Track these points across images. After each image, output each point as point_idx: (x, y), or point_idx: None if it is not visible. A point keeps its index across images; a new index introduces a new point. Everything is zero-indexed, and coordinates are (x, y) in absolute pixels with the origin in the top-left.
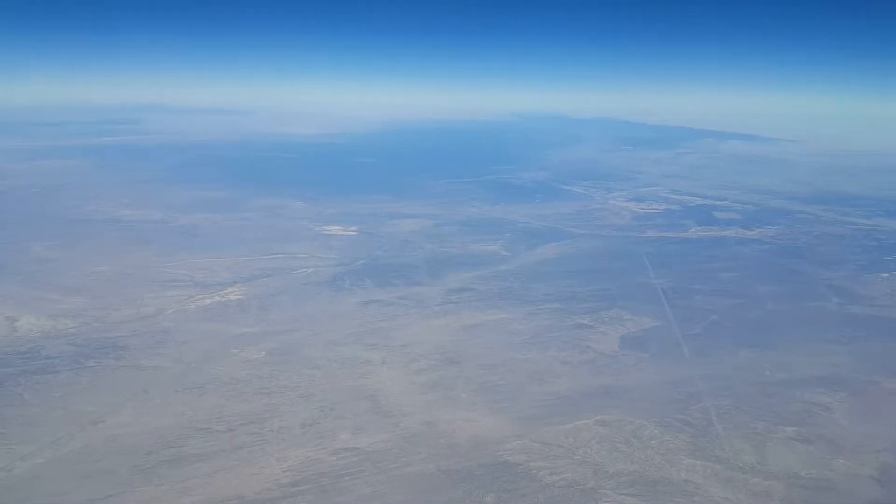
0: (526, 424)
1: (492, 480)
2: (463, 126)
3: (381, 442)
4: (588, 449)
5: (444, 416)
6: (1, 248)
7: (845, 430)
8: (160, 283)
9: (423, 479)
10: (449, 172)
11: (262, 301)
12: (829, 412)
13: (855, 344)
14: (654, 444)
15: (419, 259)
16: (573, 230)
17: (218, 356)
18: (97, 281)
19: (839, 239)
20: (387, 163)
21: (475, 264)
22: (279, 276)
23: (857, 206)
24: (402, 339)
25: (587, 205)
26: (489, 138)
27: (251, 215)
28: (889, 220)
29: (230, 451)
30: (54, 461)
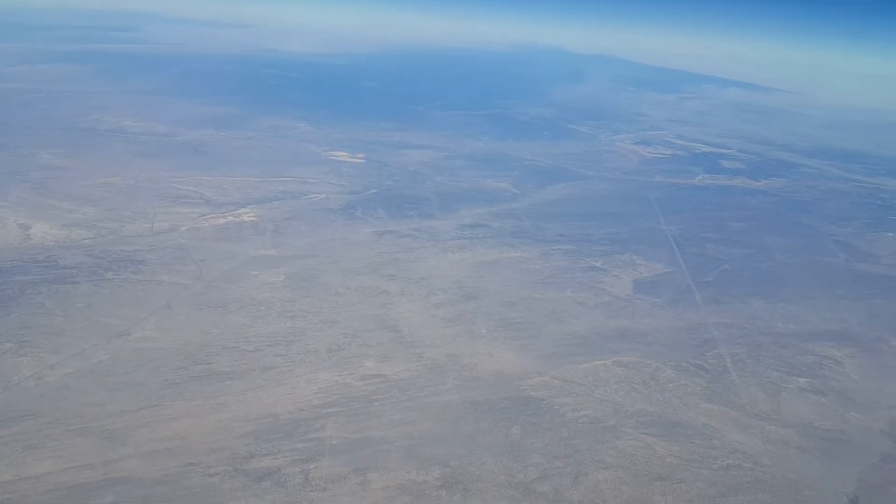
0: (546, 361)
1: (516, 413)
2: (464, 54)
3: (407, 371)
4: (607, 388)
5: (466, 349)
6: (8, 153)
7: (856, 385)
8: (171, 199)
9: (450, 408)
10: (454, 103)
11: (276, 224)
12: (840, 366)
13: (863, 301)
14: (671, 387)
15: (430, 192)
16: (581, 171)
17: (238, 277)
18: (108, 192)
19: (844, 195)
20: (390, 89)
21: (486, 200)
22: (291, 199)
23: (861, 163)
24: (419, 271)
25: (594, 145)
26: (492, 69)
27: (257, 135)
28: (892, 179)
29: (259, 370)
30: (83, 372)
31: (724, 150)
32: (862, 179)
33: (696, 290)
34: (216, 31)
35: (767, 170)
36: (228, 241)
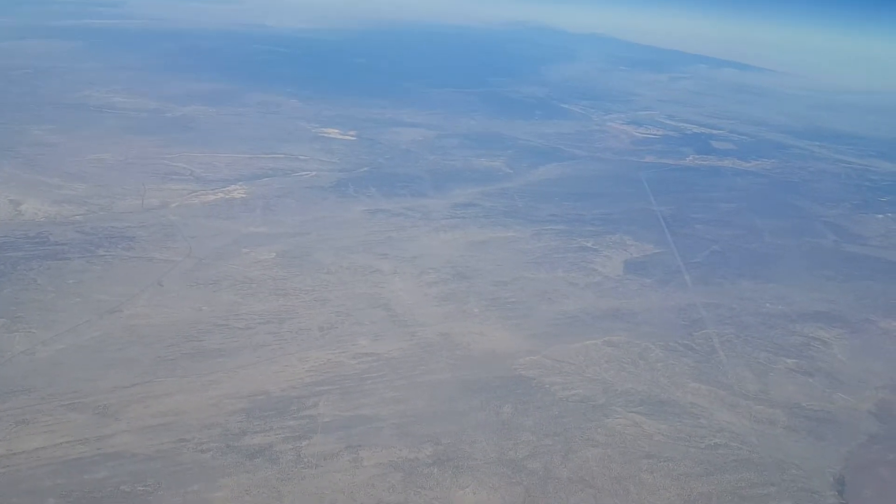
0: (537, 341)
1: (508, 392)
2: (457, 31)
3: (399, 350)
4: (597, 367)
5: (459, 328)
6: None
7: (844, 366)
8: (161, 175)
9: (442, 386)
10: (446, 81)
11: (266, 201)
12: (828, 347)
13: (851, 282)
14: (659, 366)
15: (422, 170)
16: (573, 151)
17: (229, 254)
18: (98, 168)
19: (834, 176)
20: (382, 65)
21: (479, 180)
22: (281, 176)
23: (851, 145)
24: (411, 250)
25: (586, 125)
26: (485, 47)
27: (246, 111)
28: (882, 161)
29: (251, 348)
30: (75, 348)
31: (715, 131)
32: (852, 161)
33: (685, 271)
34: (203, 6)
35: (758, 150)
36: (219, 218)
